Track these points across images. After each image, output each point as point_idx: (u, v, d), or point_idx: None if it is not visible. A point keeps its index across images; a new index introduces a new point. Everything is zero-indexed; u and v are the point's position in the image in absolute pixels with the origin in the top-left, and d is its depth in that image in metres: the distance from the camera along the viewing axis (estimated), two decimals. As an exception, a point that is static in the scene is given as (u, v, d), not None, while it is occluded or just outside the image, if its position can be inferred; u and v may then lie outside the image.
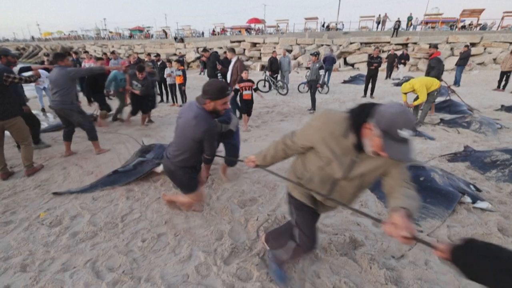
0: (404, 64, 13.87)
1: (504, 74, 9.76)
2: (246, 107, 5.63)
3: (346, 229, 2.55)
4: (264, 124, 6.26)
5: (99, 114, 6.22)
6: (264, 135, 5.41)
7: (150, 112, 6.22)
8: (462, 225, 2.61)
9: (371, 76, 8.99)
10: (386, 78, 13.86)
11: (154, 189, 3.29)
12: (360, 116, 1.22)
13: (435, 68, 6.52)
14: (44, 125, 6.13)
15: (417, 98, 5.55)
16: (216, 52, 8.29)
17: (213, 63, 7.21)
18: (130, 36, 36.37)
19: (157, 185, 3.38)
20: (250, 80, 5.52)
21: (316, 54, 7.32)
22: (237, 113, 6.28)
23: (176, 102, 8.36)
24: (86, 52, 11.61)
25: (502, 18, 21.83)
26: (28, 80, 3.97)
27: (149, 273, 2.06)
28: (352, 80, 13.21)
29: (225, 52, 8.21)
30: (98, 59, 7.68)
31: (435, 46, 7.85)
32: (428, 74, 6.79)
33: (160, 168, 3.44)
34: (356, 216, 2.73)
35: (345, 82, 13.17)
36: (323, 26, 26.39)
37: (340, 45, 20.16)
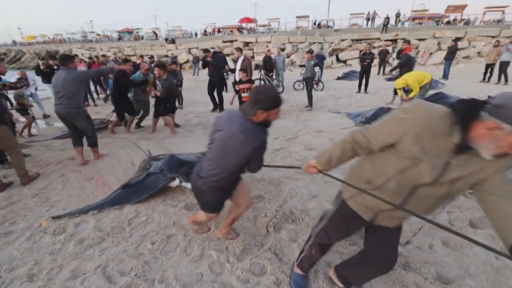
0: None
1: (489, 67, 10.03)
2: None
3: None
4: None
5: (114, 121, 5.82)
6: (263, 133, 5.39)
7: (173, 115, 5.87)
8: (461, 210, 2.71)
9: (364, 72, 9.10)
10: (378, 73, 13.94)
11: (159, 191, 3.24)
12: (469, 111, 1.02)
13: (406, 64, 7.11)
14: (33, 131, 5.98)
15: (411, 91, 5.68)
16: (220, 52, 8.27)
17: (220, 63, 7.07)
18: (119, 39, 35.68)
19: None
20: (250, 81, 5.48)
21: (311, 52, 7.37)
22: None
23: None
24: (75, 55, 11.34)
25: (484, 13, 22.61)
26: (14, 87, 3.85)
27: (162, 274, 2.03)
28: (346, 76, 13.33)
29: (220, 52, 8.22)
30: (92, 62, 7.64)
31: (408, 42, 8.19)
32: (400, 68, 7.19)
33: (175, 183, 3.12)
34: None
35: (338, 78, 13.28)
36: (314, 24, 26.51)
37: (332, 43, 20.35)
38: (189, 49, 24.67)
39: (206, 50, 7.26)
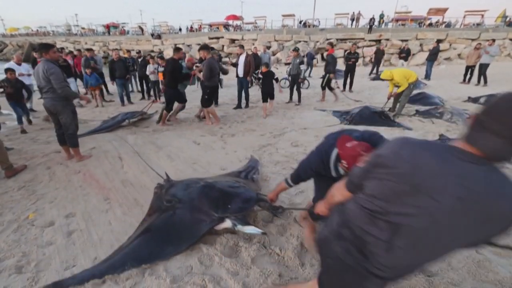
0: (405, 59, 13.01)
1: (469, 68, 10.47)
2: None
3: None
4: (250, 119, 6.32)
5: (164, 113, 5.84)
6: (250, 129, 5.48)
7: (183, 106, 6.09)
8: None
9: (349, 71, 9.30)
10: (371, 74, 13.52)
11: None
12: None
13: (330, 63, 7.55)
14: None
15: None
16: (217, 53, 8.42)
17: (175, 72, 6.22)
18: (108, 30, 34.76)
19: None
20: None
21: (297, 50, 7.56)
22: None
23: (159, 99, 8.20)
24: (62, 48, 11.07)
25: (464, 17, 23.54)
26: None
27: (152, 266, 2.06)
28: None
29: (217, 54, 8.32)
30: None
31: (331, 44, 8.88)
32: (326, 68, 7.69)
33: (224, 225, 2.29)
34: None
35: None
36: (300, 23, 26.73)
37: (317, 42, 20.61)
38: (175, 44, 24.35)
39: (177, 49, 5.67)
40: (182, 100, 5.92)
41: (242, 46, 7.79)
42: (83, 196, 3.06)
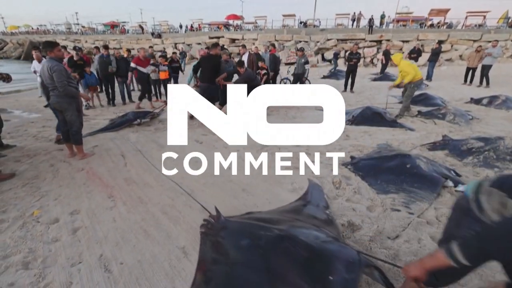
0: (416, 59, 12.45)
1: (470, 70, 10.48)
2: None
3: (343, 214, 2.69)
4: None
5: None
6: (253, 129, 5.48)
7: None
8: (447, 206, 2.82)
9: (351, 71, 9.31)
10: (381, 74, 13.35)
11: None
12: None
13: (273, 62, 8.16)
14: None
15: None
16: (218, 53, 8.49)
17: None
18: (112, 28, 34.84)
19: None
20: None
21: (302, 50, 7.67)
22: None
23: (160, 98, 8.21)
24: (64, 47, 10.92)
25: (466, 18, 23.49)
26: None
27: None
28: (331, 75, 13.58)
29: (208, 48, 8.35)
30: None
31: (273, 45, 9.28)
32: (269, 67, 8.03)
33: None
34: (351, 202, 2.88)
35: (324, 77, 13.51)
36: (300, 23, 26.75)
37: (318, 42, 20.64)
38: (175, 44, 24.43)
39: (214, 45, 6.06)
40: (217, 98, 5.95)
41: (244, 46, 8.04)
42: (86, 194, 3.06)
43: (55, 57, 3.57)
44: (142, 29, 32.64)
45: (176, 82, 9.09)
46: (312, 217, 2.36)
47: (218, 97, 5.89)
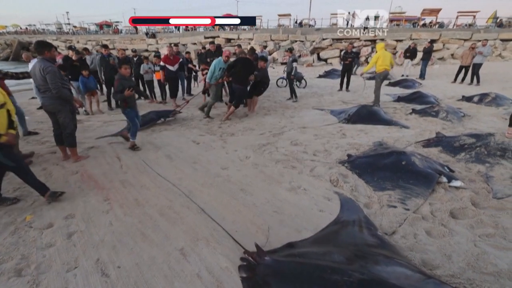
0: (411, 58, 12.45)
1: (463, 68, 10.60)
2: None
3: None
4: (248, 118, 6.31)
5: (232, 109, 6.12)
6: (249, 128, 5.47)
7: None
8: (441, 202, 2.86)
9: (346, 71, 9.36)
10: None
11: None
12: None
13: None
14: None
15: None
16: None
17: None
18: (101, 28, 34.28)
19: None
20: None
21: (291, 50, 7.88)
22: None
23: (155, 98, 8.14)
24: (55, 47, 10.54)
25: (457, 17, 23.97)
26: (16, 76, 3.94)
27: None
28: (327, 74, 13.62)
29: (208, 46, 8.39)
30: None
31: (239, 46, 9.17)
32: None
33: None
34: (349, 200, 2.88)
35: (320, 76, 13.55)
36: (296, 22, 26.78)
37: (313, 41, 20.67)
38: (170, 44, 24.16)
39: (211, 43, 7.67)
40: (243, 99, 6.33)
41: (240, 46, 8.12)
42: (81, 197, 3.01)
43: (48, 58, 3.47)
44: (136, 29, 32.28)
45: (189, 82, 9.05)
46: (371, 244, 2.07)
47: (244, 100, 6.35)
